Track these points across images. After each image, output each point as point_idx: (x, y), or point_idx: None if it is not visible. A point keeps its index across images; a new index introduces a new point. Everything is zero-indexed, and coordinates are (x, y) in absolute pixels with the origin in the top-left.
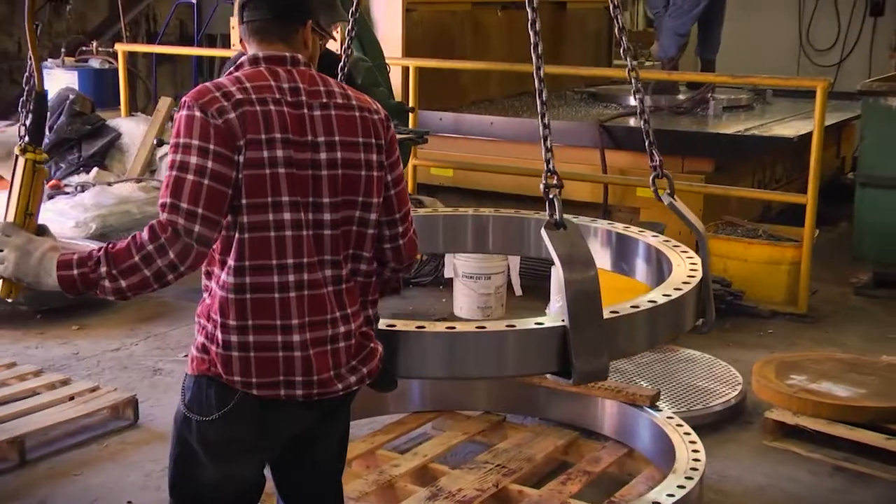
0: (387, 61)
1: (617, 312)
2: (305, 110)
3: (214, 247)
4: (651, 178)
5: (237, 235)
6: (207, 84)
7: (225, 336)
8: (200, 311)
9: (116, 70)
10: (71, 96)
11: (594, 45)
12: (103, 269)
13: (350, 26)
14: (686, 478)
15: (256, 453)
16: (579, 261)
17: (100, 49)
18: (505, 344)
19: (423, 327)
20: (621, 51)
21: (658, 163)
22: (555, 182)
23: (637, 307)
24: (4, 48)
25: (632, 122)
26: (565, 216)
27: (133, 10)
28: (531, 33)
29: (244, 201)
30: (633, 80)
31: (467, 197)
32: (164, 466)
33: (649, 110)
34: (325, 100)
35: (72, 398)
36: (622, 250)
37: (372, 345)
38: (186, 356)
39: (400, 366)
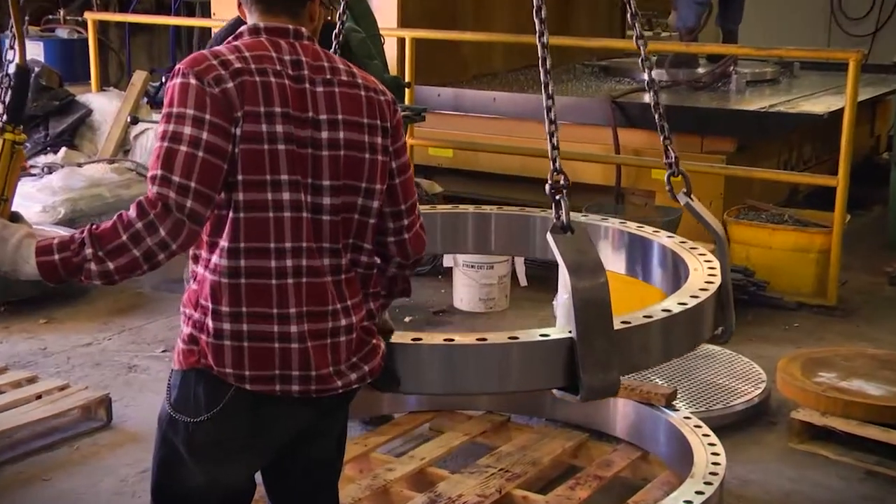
0: (381, 32)
1: (629, 323)
2: (307, 85)
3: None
4: (666, 176)
5: (231, 214)
6: (204, 52)
7: (217, 324)
8: (187, 300)
9: (86, 41)
10: (36, 69)
11: (606, 14)
12: (88, 252)
13: None
14: (705, 483)
15: (248, 457)
16: (588, 267)
17: (68, 18)
18: (507, 358)
19: (419, 339)
20: (629, 17)
21: (673, 160)
22: (562, 182)
23: (650, 317)
24: None
25: (646, 97)
26: (573, 218)
27: None
28: None
29: (240, 177)
30: (640, 49)
31: (468, 179)
32: (140, 470)
33: (666, 85)
34: (328, 76)
35: (39, 397)
36: (635, 252)
37: (374, 341)
38: (164, 351)
39: (399, 380)
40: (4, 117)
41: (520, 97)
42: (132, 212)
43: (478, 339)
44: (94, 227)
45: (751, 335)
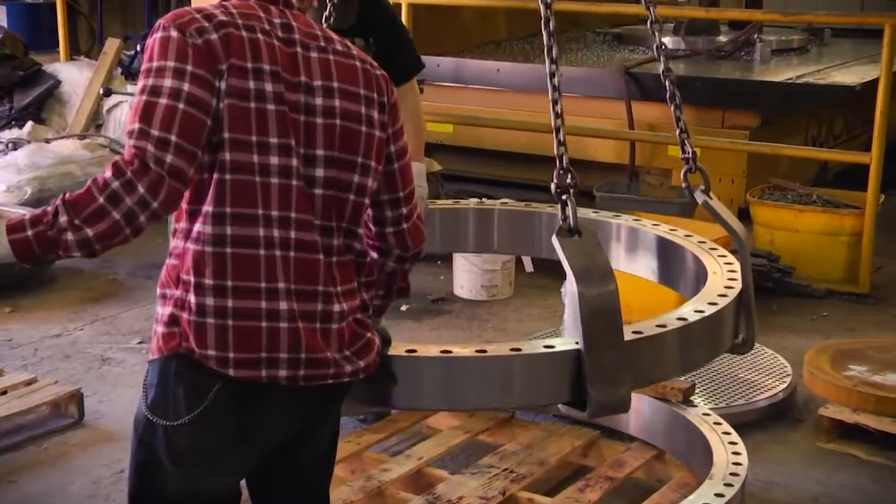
0: None
1: (640, 333)
2: (299, 49)
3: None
4: (682, 172)
5: (216, 176)
6: (187, 7)
7: (199, 299)
8: (165, 278)
9: (53, 5)
10: None
11: None
12: (63, 220)
13: None
14: (725, 485)
15: (233, 462)
16: (596, 274)
17: None
18: (509, 371)
19: (414, 351)
20: None
21: (691, 155)
22: (568, 181)
23: (664, 326)
24: None
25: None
26: (581, 215)
27: None
28: None
29: (226, 135)
30: (650, 11)
31: (469, 156)
32: (115, 471)
33: (684, 54)
34: (322, 44)
35: (4, 393)
36: (649, 253)
37: (369, 335)
38: (141, 343)
39: (390, 395)
40: None
41: (525, 68)
42: (108, 172)
43: (477, 351)
44: (66, 195)
45: (776, 325)
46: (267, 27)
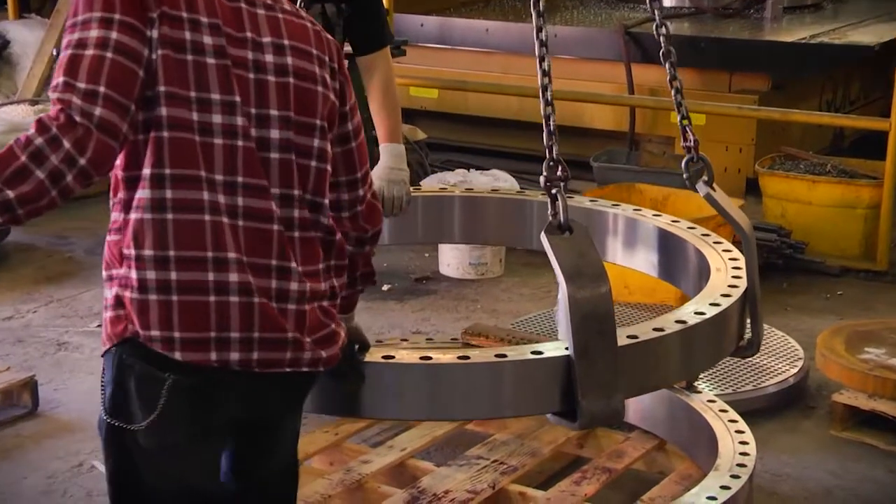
0: None
1: (636, 338)
2: (243, 4)
3: (118, 163)
4: (683, 161)
5: (153, 134)
6: None
7: (140, 273)
8: (109, 257)
9: None
10: None
11: None
12: None
13: None
14: (731, 476)
15: (203, 457)
16: (588, 274)
17: None
18: (494, 379)
19: (391, 357)
20: None
21: (692, 143)
22: (559, 174)
23: (662, 330)
24: None
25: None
26: (577, 204)
27: None
28: None
29: (161, 89)
30: None
31: (456, 123)
32: (72, 465)
33: (689, 12)
34: (269, 2)
35: None
36: (650, 246)
37: (333, 325)
38: (100, 326)
39: (362, 404)
40: None
41: (516, 27)
42: (31, 129)
43: (459, 358)
44: None
45: (786, 305)
46: None
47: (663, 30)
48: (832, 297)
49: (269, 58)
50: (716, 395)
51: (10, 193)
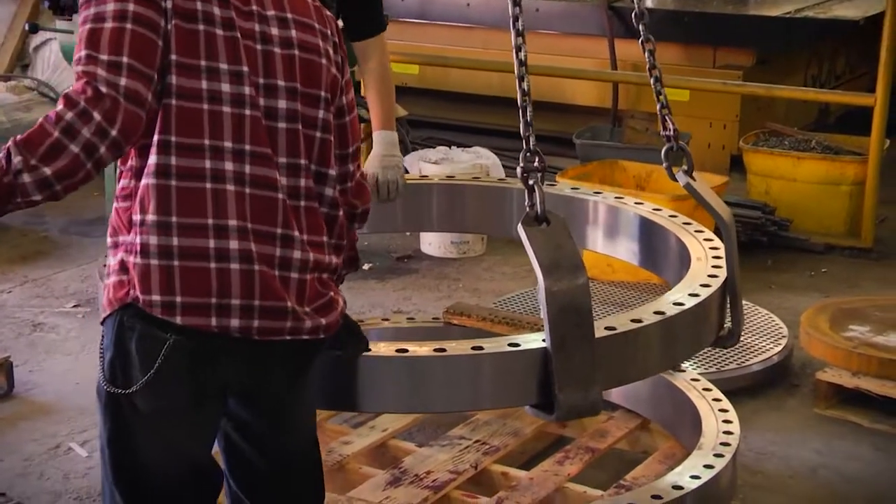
0: None
1: (613, 329)
2: None
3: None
4: (663, 150)
5: (164, 101)
6: None
7: (143, 238)
8: (116, 224)
9: None
10: None
11: None
12: (17, 161)
13: None
14: (715, 455)
15: (198, 424)
16: (565, 266)
17: None
18: (470, 371)
19: (367, 350)
20: None
21: (672, 132)
22: (536, 164)
23: (640, 321)
24: None
25: (649, 1)
26: (558, 192)
27: None
28: None
29: (173, 58)
30: None
31: (437, 100)
32: (47, 448)
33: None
34: None
35: None
36: (631, 234)
37: (332, 294)
38: (76, 306)
39: (339, 397)
40: None
41: (498, 2)
42: (59, 105)
43: (435, 350)
44: (16, 137)
45: (770, 282)
46: None
47: (644, 19)
48: (816, 275)
49: (274, 30)
50: (699, 374)
51: (48, 170)
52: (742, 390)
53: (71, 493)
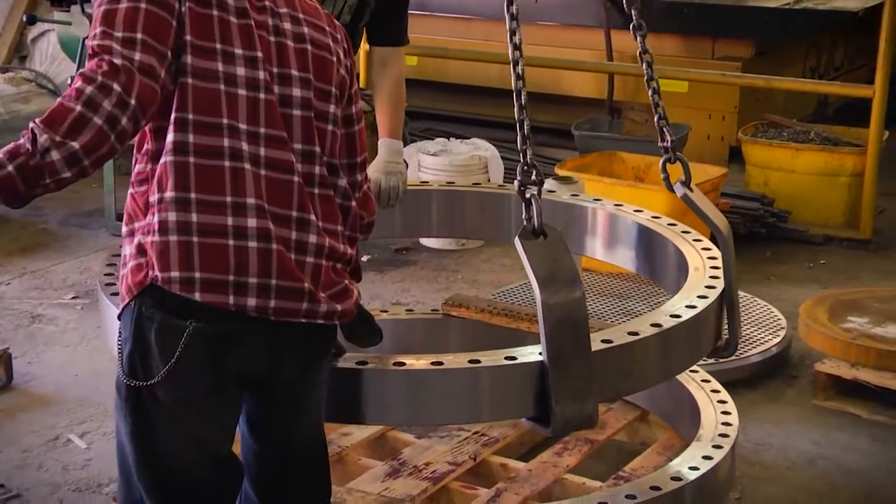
0: None
1: (610, 342)
2: None
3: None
4: (661, 161)
5: (179, 80)
6: None
7: (162, 215)
8: (132, 210)
9: None
10: None
11: None
12: (44, 139)
13: None
14: (714, 447)
15: (219, 411)
16: (562, 280)
17: None
18: (467, 385)
19: (364, 363)
20: None
21: (669, 143)
22: (533, 178)
23: (637, 334)
24: None
25: None
26: (557, 199)
27: None
28: None
29: (188, 38)
30: None
31: (435, 92)
32: (46, 439)
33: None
34: None
35: None
36: (629, 242)
37: (346, 281)
38: (75, 298)
39: (336, 410)
40: None
41: None
42: (77, 83)
43: (432, 363)
44: (37, 120)
45: (769, 274)
46: None
47: (636, 4)
48: (815, 266)
49: (287, 25)
50: (698, 365)
51: (75, 144)
52: (741, 382)
53: (70, 485)
